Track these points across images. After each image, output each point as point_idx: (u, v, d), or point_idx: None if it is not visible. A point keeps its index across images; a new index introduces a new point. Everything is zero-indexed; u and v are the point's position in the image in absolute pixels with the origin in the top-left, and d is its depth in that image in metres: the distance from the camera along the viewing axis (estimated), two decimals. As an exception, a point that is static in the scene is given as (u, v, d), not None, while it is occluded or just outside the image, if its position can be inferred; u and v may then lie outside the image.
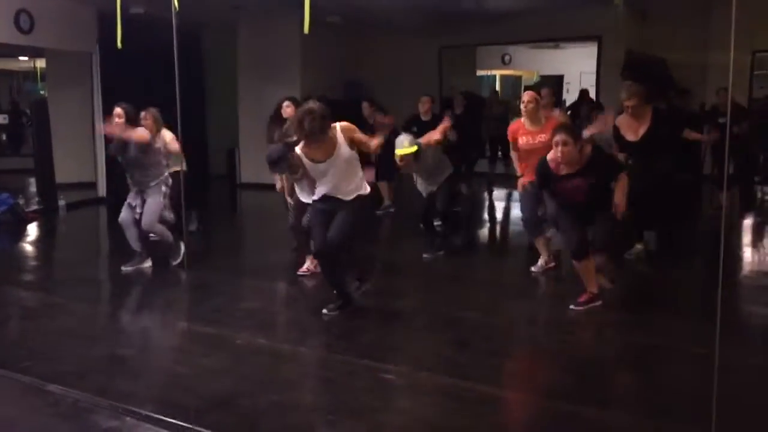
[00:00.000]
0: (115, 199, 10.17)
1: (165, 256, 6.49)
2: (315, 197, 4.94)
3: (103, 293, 6.31)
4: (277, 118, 6.66)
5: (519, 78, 17.41)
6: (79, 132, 10.83)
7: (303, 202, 5.63)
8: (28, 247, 8.23)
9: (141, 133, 6.06)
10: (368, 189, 4.94)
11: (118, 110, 6.10)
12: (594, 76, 12.14)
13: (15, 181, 11.30)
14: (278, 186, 6.56)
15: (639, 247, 6.48)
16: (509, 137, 6.08)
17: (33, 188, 10.75)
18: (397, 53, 12.08)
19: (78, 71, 10.61)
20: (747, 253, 7.24)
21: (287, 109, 6.69)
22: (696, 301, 5.35)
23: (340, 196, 4.82)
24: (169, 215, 6.54)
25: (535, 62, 16.55)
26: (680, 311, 5.16)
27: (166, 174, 6.40)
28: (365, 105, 9.05)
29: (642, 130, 5.91)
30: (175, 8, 3.49)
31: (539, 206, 6.03)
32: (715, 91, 9.24)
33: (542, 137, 5.67)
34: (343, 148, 4.70)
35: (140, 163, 6.16)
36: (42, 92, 13.77)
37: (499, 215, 9.96)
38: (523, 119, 5.93)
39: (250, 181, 11.73)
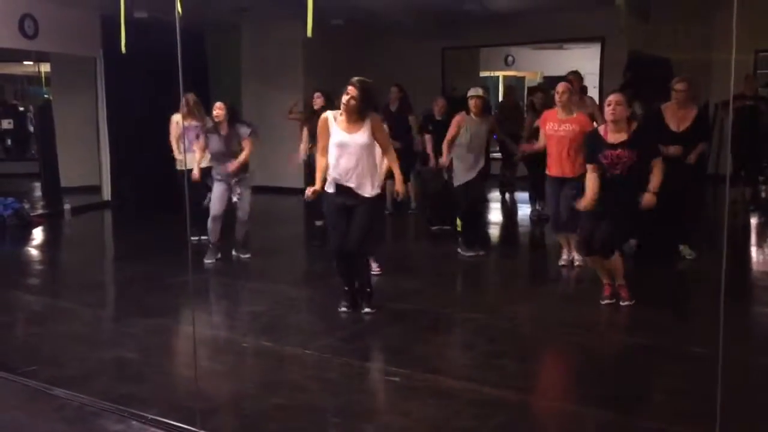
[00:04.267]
0: (120, 203, 10.28)
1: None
2: (331, 188, 4.88)
3: (109, 297, 6.32)
4: (312, 111, 7.12)
5: (522, 79, 17.37)
6: (84, 136, 10.85)
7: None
8: (34, 251, 8.25)
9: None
10: (380, 189, 5.01)
11: (219, 104, 6.82)
12: (597, 77, 12.11)
13: (20, 185, 11.35)
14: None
15: (633, 241, 6.43)
16: (540, 124, 6.16)
17: (38, 192, 10.79)
18: (401, 55, 12.06)
19: (82, 75, 10.64)
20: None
21: (317, 100, 7.17)
22: (698, 299, 5.34)
23: (357, 189, 4.81)
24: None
25: (538, 63, 16.50)
26: (682, 310, 5.15)
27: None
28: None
29: (685, 125, 5.98)
30: (179, 12, 3.49)
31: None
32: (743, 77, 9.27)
33: (567, 126, 5.76)
34: (367, 133, 4.77)
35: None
36: (47, 96, 13.79)
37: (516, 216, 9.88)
38: (556, 108, 5.99)
39: (254, 185, 11.70)
